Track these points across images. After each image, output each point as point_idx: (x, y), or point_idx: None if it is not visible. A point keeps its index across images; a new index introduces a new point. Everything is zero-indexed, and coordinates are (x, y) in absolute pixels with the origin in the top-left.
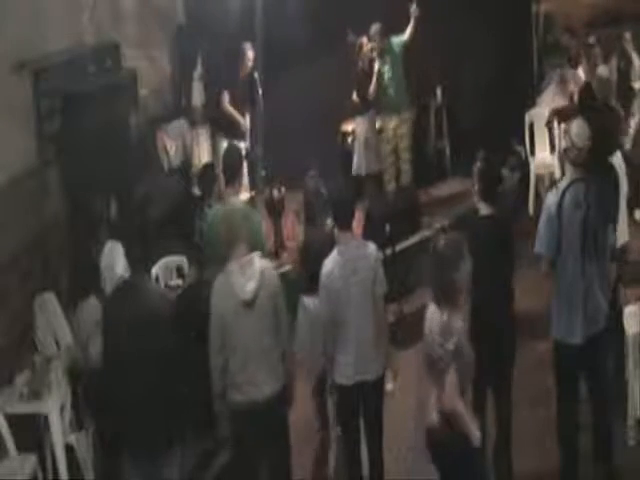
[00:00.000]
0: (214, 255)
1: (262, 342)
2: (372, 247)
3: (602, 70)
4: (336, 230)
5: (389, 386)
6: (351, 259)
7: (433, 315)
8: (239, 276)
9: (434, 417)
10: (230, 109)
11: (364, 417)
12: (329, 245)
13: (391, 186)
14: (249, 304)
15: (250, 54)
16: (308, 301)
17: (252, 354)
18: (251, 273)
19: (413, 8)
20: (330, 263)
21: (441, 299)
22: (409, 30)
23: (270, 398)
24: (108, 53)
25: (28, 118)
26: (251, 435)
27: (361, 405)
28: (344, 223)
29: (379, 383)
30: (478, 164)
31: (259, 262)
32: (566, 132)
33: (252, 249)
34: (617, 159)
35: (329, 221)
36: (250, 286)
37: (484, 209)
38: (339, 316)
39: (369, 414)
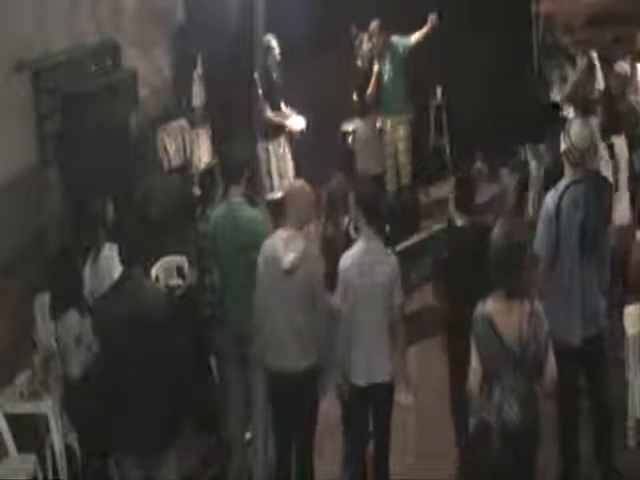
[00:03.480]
0: (219, 252)
1: (294, 316)
2: (393, 257)
3: (620, 66)
4: (362, 226)
5: (404, 399)
6: (371, 262)
7: (501, 312)
8: (284, 244)
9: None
10: (273, 116)
11: (373, 421)
12: (346, 246)
13: (391, 187)
14: (287, 274)
15: (273, 44)
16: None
17: (283, 325)
18: (295, 245)
19: (433, 16)
20: (349, 259)
21: (516, 289)
22: (419, 35)
23: (299, 373)
24: (108, 53)
25: (28, 118)
26: (282, 397)
27: (371, 409)
28: (373, 220)
29: (389, 388)
30: (477, 165)
31: (304, 239)
32: (566, 133)
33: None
34: (620, 141)
35: (347, 222)
36: (290, 257)
37: (459, 220)
38: (353, 313)
39: (378, 418)
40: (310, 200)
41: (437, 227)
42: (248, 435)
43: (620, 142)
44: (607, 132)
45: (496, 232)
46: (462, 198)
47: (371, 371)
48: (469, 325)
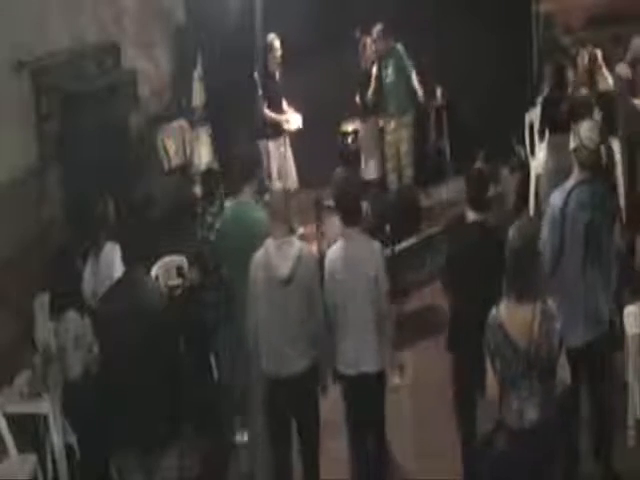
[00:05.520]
0: (227, 250)
1: (294, 320)
2: (377, 244)
3: (621, 68)
4: (341, 225)
5: (396, 380)
6: (355, 254)
7: (513, 317)
8: (277, 254)
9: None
10: (271, 114)
11: (367, 412)
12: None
13: (393, 188)
14: (285, 283)
15: (277, 44)
16: None
17: (283, 331)
18: (289, 253)
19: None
20: (333, 255)
21: (527, 291)
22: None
23: (298, 376)
24: (108, 53)
25: (28, 118)
26: (280, 403)
27: (364, 398)
28: (349, 219)
29: (380, 377)
30: (469, 171)
31: (298, 244)
32: (576, 132)
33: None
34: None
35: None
36: (287, 265)
37: (472, 215)
38: (341, 307)
39: (371, 408)
40: (292, 204)
41: (434, 230)
42: (249, 436)
43: (615, 144)
44: (604, 134)
45: (511, 234)
46: (475, 194)
47: (360, 361)
48: (474, 324)
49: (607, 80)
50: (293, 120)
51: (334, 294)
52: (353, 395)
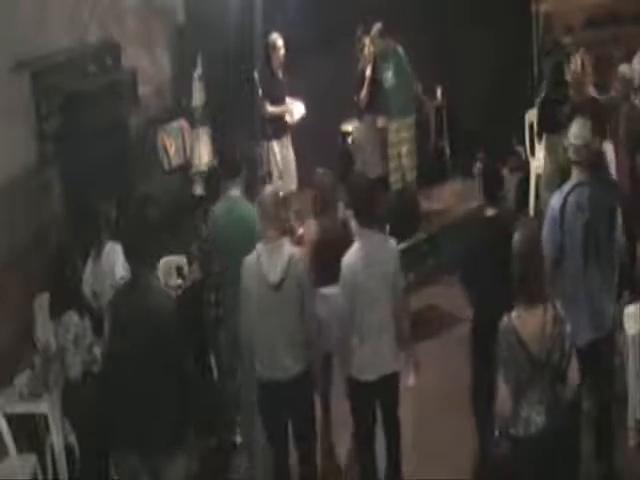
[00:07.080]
0: (220, 249)
1: (286, 325)
2: (393, 242)
3: (623, 68)
4: (356, 225)
5: (411, 380)
6: (372, 252)
7: (526, 321)
8: (267, 258)
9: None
10: (273, 109)
11: (381, 412)
12: (344, 237)
13: (395, 188)
14: (276, 287)
15: (280, 43)
16: (326, 291)
17: (276, 336)
18: (279, 257)
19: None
20: (351, 257)
21: (538, 295)
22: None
23: (292, 379)
24: (108, 52)
25: (28, 118)
26: (275, 405)
27: (378, 400)
28: (365, 219)
29: (396, 377)
30: (478, 165)
31: (288, 247)
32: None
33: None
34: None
35: (341, 214)
36: (277, 269)
37: (489, 210)
38: (360, 310)
39: (387, 408)
40: (284, 206)
41: (422, 236)
42: (248, 436)
43: (609, 148)
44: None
45: (516, 237)
46: (490, 189)
47: (380, 364)
48: (494, 325)
49: (590, 88)
50: (295, 110)
51: (354, 298)
52: (369, 399)
